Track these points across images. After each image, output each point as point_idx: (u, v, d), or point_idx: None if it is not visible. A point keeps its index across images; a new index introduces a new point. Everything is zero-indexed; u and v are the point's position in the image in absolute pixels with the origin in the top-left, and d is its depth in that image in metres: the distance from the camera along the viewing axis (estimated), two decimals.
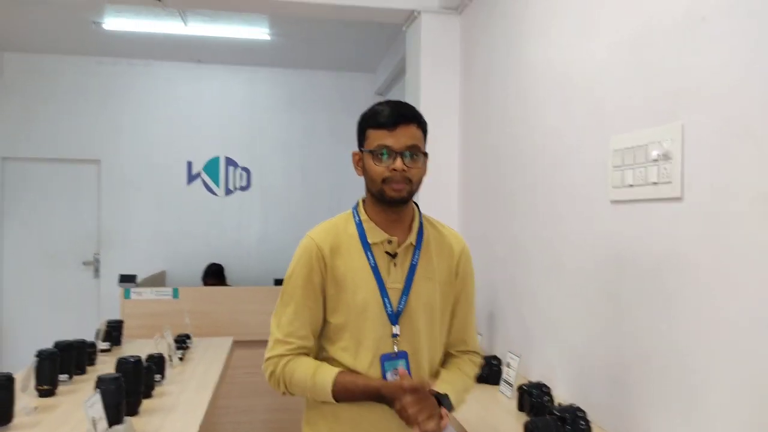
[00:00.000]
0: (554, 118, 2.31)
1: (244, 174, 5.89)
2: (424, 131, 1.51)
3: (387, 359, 1.47)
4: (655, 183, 1.65)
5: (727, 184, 1.41)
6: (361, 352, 1.48)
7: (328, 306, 1.50)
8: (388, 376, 1.46)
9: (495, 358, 2.43)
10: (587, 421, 1.73)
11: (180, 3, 3.58)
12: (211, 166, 5.83)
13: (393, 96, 5.32)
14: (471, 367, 1.64)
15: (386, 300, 1.48)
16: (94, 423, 1.56)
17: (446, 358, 1.65)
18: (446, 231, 1.63)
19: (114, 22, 4.69)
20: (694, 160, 1.52)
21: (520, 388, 2.03)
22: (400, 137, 1.44)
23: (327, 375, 1.45)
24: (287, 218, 5.81)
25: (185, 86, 5.77)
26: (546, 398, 1.94)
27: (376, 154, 1.45)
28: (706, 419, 1.47)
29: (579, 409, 1.75)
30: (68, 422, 1.81)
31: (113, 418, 1.69)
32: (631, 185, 1.77)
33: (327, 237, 1.52)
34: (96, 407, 1.60)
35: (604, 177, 1.92)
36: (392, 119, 1.45)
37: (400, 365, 1.48)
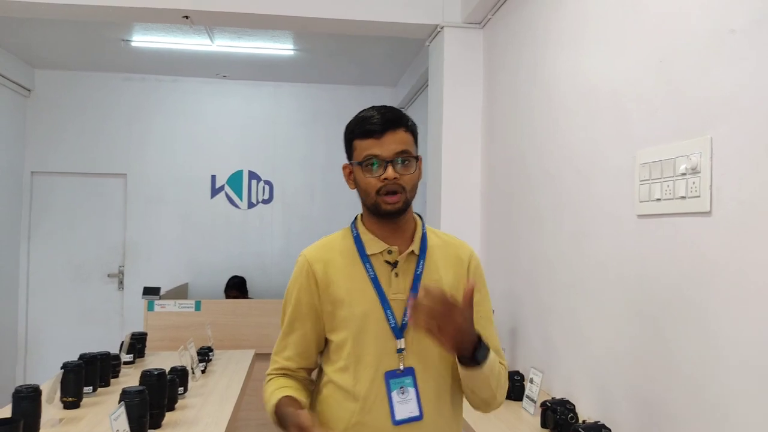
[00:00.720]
0: (580, 131, 2.29)
1: (267, 187, 5.93)
2: (414, 134, 1.43)
3: (392, 377, 1.36)
4: (683, 197, 1.63)
5: (757, 199, 1.38)
6: (361, 370, 1.37)
7: (326, 324, 1.42)
8: (394, 395, 1.35)
9: (518, 373, 2.40)
10: None
11: (206, 20, 3.64)
12: (235, 180, 5.88)
13: (415, 110, 5.34)
14: (501, 368, 1.45)
15: (388, 312, 1.38)
16: None
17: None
18: (451, 240, 1.54)
19: (142, 40, 4.78)
20: (723, 174, 1.49)
21: (544, 405, 2.00)
22: (388, 144, 1.36)
23: (274, 397, 1.38)
24: (309, 231, 5.82)
25: (210, 101, 5.85)
26: (570, 415, 1.91)
27: (366, 165, 1.37)
28: None
29: (605, 427, 1.72)
30: (97, 428, 1.83)
31: (137, 431, 1.70)
32: (659, 199, 1.74)
33: (319, 253, 1.45)
34: (121, 420, 1.61)
35: (631, 191, 1.89)
36: (378, 126, 1.36)
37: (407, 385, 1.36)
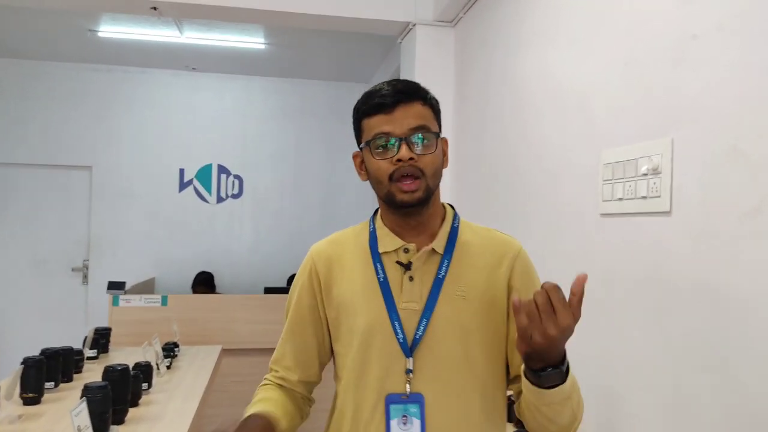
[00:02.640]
0: (548, 131, 2.33)
1: (237, 182, 5.88)
2: (434, 109, 1.19)
3: (393, 402, 1.13)
4: (644, 197, 1.66)
5: (716, 200, 1.42)
6: (363, 393, 1.16)
7: (331, 332, 1.25)
8: (393, 425, 1.12)
9: None
10: None
11: (175, 12, 3.59)
12: (204, 174, 5.82)
13: None
14: None
15: (396, 324, 1.14)
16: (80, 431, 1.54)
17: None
18: (494, 235, 1.26)
19: (109, 30, 4.68)
20: (683, 175, 1.53)
21: (508, 400, 2.02)
22: (401, 119, 1.12)
23: (247, 412, 1.21)
24: (279, 227, 5.80)
25: (179, 94, 5.77)
26: None
27: (376, 145, 1.13)
28: (680, 430, 1.47)
29: None
30: (55, 430, 1.79)
31: (99, 428, 1.67)
32: (621, 199, 1.78)
33: (328, 248, 1.26)
34: (82, 416, 1.58)
35: (595, 190, 1.93)
36: (389, 98, 1.13)
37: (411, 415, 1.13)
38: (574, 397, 1.08)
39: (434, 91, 3.40)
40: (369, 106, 1.15)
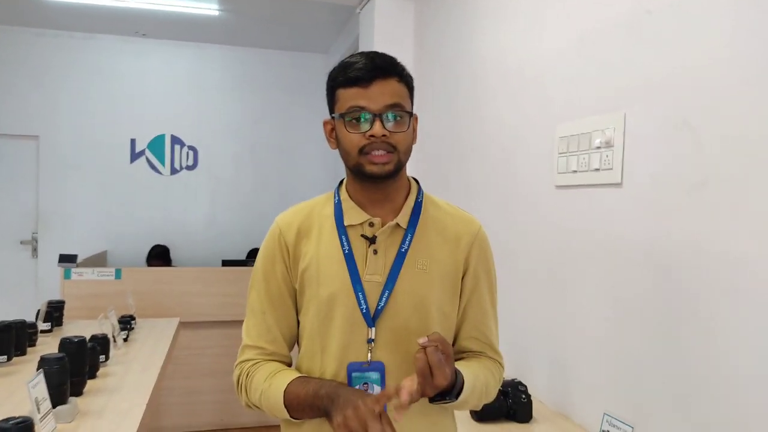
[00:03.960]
0: (505, 106, 2.36)
1: (191, 153, 5.75)
2: (409, 86, 1.20)
3: (355, 369, 1.16)
4: (597, 169, 1.73)
5: (665, 173, 1.48)
6: (326, 361, 1.19)
7: (297, 304, 1.25)
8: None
9: None
10: (528, 394, 1.81)
11: None
12: (156, 144, 5.67)
13: None
14: (494, 370, 1.28)
15: (360, 295, 1.17)
16: (37, 404, 1.52)
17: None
18: (456, 212, 1.30)
19: None
20: (635, 149, 1.59)
21: None
22: (377, 95, 1.13)
23: (283, 379, 1.16)
24: (235, 199, 5.72)
25: (129, 61, 5.57)
26: None
27: (350, 118, 1.14)
28: (641, 400, 1.56)
29: (520, 384, 1.83)
30: (9, 403, 1.76)
31: (57, 399, 1.66)
32: (575, 171, 1.84)
33: (295, 219, 1.25)
34: (39, 387, 1.56)
35: (551, 163, 1.98)
36: (366, 73, 1.13)
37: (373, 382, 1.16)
38: (471, 401, 1.17)
39: None
40: (346, 77, 1.15)
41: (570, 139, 1.86)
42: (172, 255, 5.55)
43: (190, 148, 5.75)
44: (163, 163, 5.70)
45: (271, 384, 1.16)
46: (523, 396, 1.80)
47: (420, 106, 3.36)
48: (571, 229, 1.88)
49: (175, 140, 5.72)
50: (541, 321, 2.05)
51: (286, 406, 1.13)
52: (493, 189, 2.45)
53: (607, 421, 1.40)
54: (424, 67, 3.34)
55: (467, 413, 1.82)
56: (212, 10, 4.80)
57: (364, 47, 3.76)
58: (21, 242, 5.38)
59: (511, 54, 2.31)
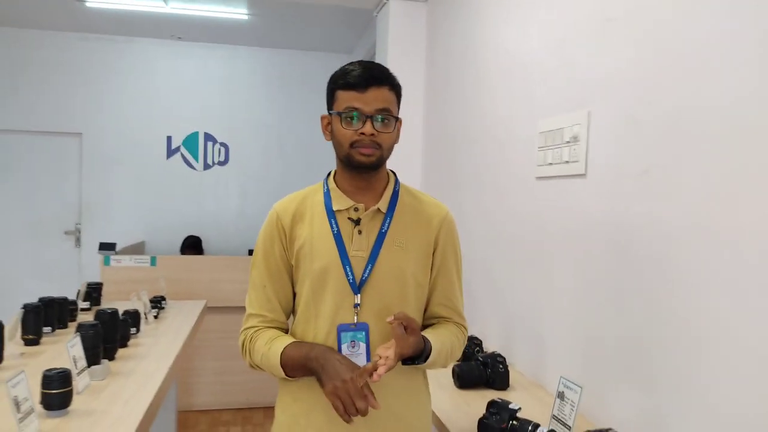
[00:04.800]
0: (498, 103, 2.55)
1: (223, 149, 6.07)
2: (398, 94, 1.41)
3: (344, 329, 1.37)
4: (567, 162, 1.91)
5: (618, 164, 1.66)
6: (319, 323, 1.39)
7: (293, 277, 1.44)
8: (344, 348, 1.37)
9: None
10: (506, 365, 2.00)
11: None
12: (190, 141, 6.00)
13: None
14: (458, 333, 1.49)
15: (348, 268, 1.38)
16: (75, 361, 1.79)
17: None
18: (427, 200, 1.52)
19: (96, 0, 4.82)
20: (596, 142, 1.77)
21: None
22: (370, 100, 1.33)
23: (280, 344, 1.37)
24: (263, 192, 6.02)
25: (165, 63, 5.92)
26: (476, 348, 2.21)
27: (345, 116, 1.34)
28: (599, 367, 1.74)
29: (499, 356, 2.02)
30: (53, 363, 2.04)
31: (91, 360, 1.93)
32: (551, 163, 2.02)
33: (290, 206, 1.45)
34: (77, 348, 1.83)
35: (533, 156, 2.17)
36: (363, 80, 1.33)
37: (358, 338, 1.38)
38: (439, 362, 1.40)
39: (407, 64, 3.60)
40: (345, 81, 1.35)
41: (547, 134, 2.05)
42: (204, 245, 5.88)
43: (222, 144, 6.06)
44: (196, 158, 6.02)
45: (270, 348, 1.37)
46: (501, 366, 1.99)
47: (430, 103, 3.57)
48: (547, 216, 2.06)
49: (208, 137, 6.04)
50: (523, 298, 2.24)
51: (282, 367, 1.34)
52: (488, 179, 2.64)
53: (562, 383, 1.58)
54: (435, 66, 3.53)
55: (451, 381, 2.02)
56: (242, 14, 5.08)
57: (380, 48, 3.98)
58: (65, 232, 5.78)
59: (504, 53, 2.50)
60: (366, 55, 5.50)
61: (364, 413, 1.23)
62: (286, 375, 1.36)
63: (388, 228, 1.42)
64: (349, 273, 1.38)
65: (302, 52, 6.12)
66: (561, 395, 1.57)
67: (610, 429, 1.41)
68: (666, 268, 1.46)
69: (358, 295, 1.38)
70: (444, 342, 1.40)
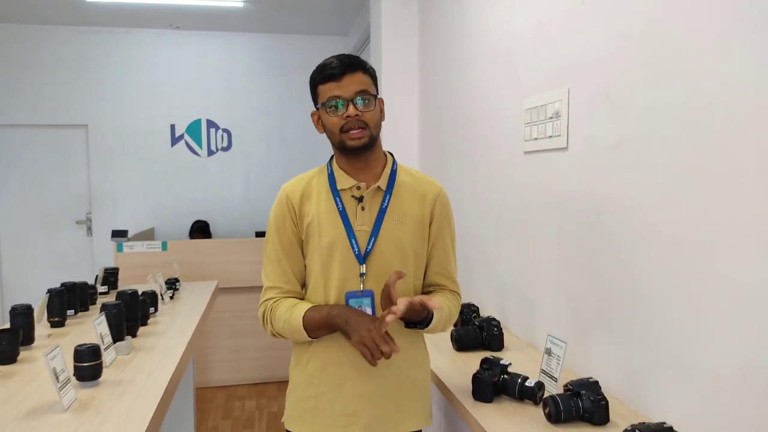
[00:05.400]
0: (486, 82, 2.67)
1: (225, 135, 6.20)
2: (373, 77, 1.53)
3: (351, 296, 1.51)
4: (550, 136, 2.04)
5: (595, 138, 1.79)
6: (329, 292, 1.53)
7: (304, 251, 1.57)
8: None
9: None
10: (500, 328, 2.15)
11: None
12: (194, 129, 6.13)
13: (365, 57, 5.61)
14: (454, 300, 1.64)
15: (353, 241, 1.51)
16: (101, 337, 1.95)
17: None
18: (423, 177, 1.64)
19: None
20: (576, 118, 1.90)
21: None
22: (347, 85, 1.46)
23: (301, 309, 1.51)
24: (267, 176, 6.16)
25: (165, 52, 6.02)
26: (473, 315, 2.36)
27: (329, 106, 1.48)
28: (582, 326, 1.89)
29: (494, 320, 2.17)
30: (79, 341, 2.20)
31: (116, 336, 2.08)
32: (536, 138, 2.15)
33: (298, 186, 1.58)
34: (102, 325, 1.99)
35: (520, 132, 2.30)
36: (338, 69, 1.47)
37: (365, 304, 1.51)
38: (438, 327, 1.55)
39: (401, 46, 3.71)
40: (322, 75, 1.49)
41: (532, 111, 2.17)
42: (212, 229, 6.05)
43: (225, 130, 6.19)
44: (200, 145, 6.15)
45: (292, 314, 1.52)
46: (495, 329, 2.15)
47: (424, 84, 3.68)
48: (534, 188, 2.19)
49: (211, 124, 6.16)
50: (514, 266, 2.38)
51: (305, 329, 1.49)
52: (480, 155, 2.77)
53: (549, 340, 1.74)
54: (427, 48, 3.64)
55: (450, 345, 2.18)
56: (237, 1, 5.17)
57: (375, 31, 4.08)
58: (77, 222, 5.95)
59: (491, 34, 2.61)
60: (361, 38, 5.58)
61: (388, 356, 1.40)
62: (309, 336, 1.51)
63: (388, 204, 1.55)
64: (355, 245, 1.52)
65: (299, 36, 6.21)
66: (548, 351, 1.73)
67: (591, 377, 1.56)
68: (638, 233, 1.59)
69: (364, 265, 1.52)
70: (443, 309, 1.55)
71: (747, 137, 1.22)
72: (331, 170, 1.59)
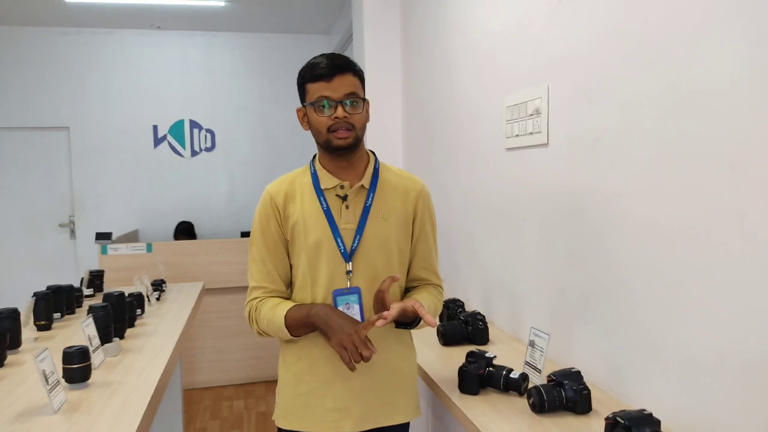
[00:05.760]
0: (468, 80, 2.70)
1: (209, 135, 6.18)
2: (361, 79, 1.55)
3: (339, 294, 1.54)
4: (531, 133, 2.07)
5: (574, 133, 1.83)
6: (316, 290, 1.55)
7: (290, 251, 1.60)
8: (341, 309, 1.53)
9: None
10: (485, 322, 2.19)
11: None
12: (177, 129, 6.11)
13: (348, 55, 5.62)
14: (438, 294, 1.69)
15: (339, 240, 1.54)
16: (90, 339, 1.96)
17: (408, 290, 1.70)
18: (405, 175, 1.67)
19: None
20: (555, 114, 1.94)
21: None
22: (338, 87, 1.47)
23: (283, 308, 1.53)
24: (252, 176, 6.16)
25: (146, 52, 5.99)
26: (459, 310, 2.39)
27: (318, 105, 1.49)
28: (565, 317, 1.93)
29: (479, 314, 2.21)
30: (67, 344, 2.20)
31: (104, 338, 2.09)
32: (518, 135, 2.19)
33: (282, 186, 1.60)
34: (90, 327, 1.99)
35: (502, 129, 2.33)
36: (329, 70, 1.48)
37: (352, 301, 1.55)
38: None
39: (383, 45, 3.72)
40: (313, 74, 1.50)
41: (513, 108, 2.21)
42: (197, 230, 6.03)
43: (208, 131, 6.17)
44: (183, 146, 6.13)
45: (275, 313, 1.54)
46: (481, 323, 2.18)
47: (407, 81, 3.71)
48: (517, 183, 2.23)
49: (194, 124, 6.14)
50: (499, 261, 2.42)
51: (287, 328, 1.52)
52: (462, 152, 2.80)
53: (533, 333, 1.77)
54: (409, 45, 3.67)
55: (436, 340, 2.21)
56: (219, 1, 5.16)
57: (357, 30, 4.09)
58: (60, 225, 5.91)
59: (472, 32, 2.64)
60: (344, 36, 5.60)
61: (367, 360, 1.42)
62: (291, 335, 1.54)
63: (372, 202, 1.58)
64: (341, 244, 1.55)
65: (281, 35, 6.21)
66: (532, 343, 1.76)
67: (573, 368, 1.60)
68: (619, 225, 1.63)
69: (350, 262, 1.55)
70: (428, 306, 1.58)
71: (720, 128, 1.26)
72: (314, 170, 1.61)
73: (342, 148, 1.52)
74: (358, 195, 1.58)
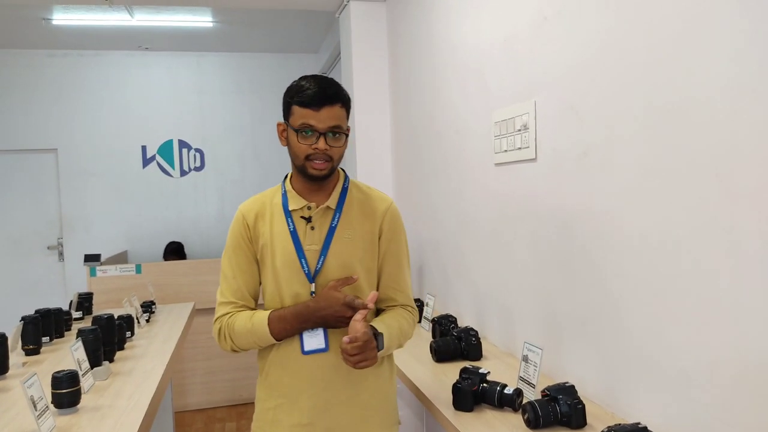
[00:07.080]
0: (456, 96, 2.72)
1: (198, 155, 6.18)
2: (347, 108, 1.54)
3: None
4: (519, 148, 2.09)
5: (561, 148, 1.85)
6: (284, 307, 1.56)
7: (260, 270, 1.61)
8: (305, 331, 1.53)
9: (418, 300, 2.87)
10: (478, 338, 2.19)
11: (126, 0, 3.85)
12: (165, 149, 6.10)
13: (335, 76, 5.66)
14: (405, 315, 1.64)
15: (303, 261, 1.54)
16: (79, 363, 1.93)
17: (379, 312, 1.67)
18: (373, 193, 1.67)
19: (62, 18, 4.88)
20: (543, 129, 1.95)
21: (433, 321, 2.47)
22: (324, 118, 1.47)
23: (263, 313, 1.55)
24: (242, 195, 6.10)
25: (135, 73, 5.99)
26: (452, 326, 2.39)
27: (300, 132, 1.49)
28: (557, 331, 1.93)
29: (472, 329, 2.20)
30: (56, 369, 2.17)
31: (94, 361, 2.07)
32: (506, 150, 2.20)
33: (253, 206, 1.62)
34: (79, 351, 1.97)
35: (490, 145, 2.35)
36: (317, 100, 1.47)
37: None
38: (392, 346, 1.57)
39: (371, 63, 3.76)
40: (301, 99, 1.48)
41: (501, 124, 2.23)
42: (187, 250, 5.99)
43: (197, 150, 6.17)
44: (173, 166, 6.12)
45: (254, 322, 1.53)
46: (474, 339, 2.18)
47: (395, 98, 3.74)
48: (507, 198, 2.24)
49: (183, 144, 6.13)
50: (490, 276, 2.42)
51: (270, 327, 1.51)
52: (452, 168, 2.81)
53: (526, 347, 1.77)
54: (397, 63, 3.70)
55: (429, 357, 2.20)
56: (207, 22, 5.19)
57: (345, 48, 4.12)
58: (48, 247, 5.85)
59: (460, 49, 2.66)
60: (332, 55, 5.63)
61: (362, 306, 1.46)
62: (275, 338, 1.53)
63: (337, 223, 1.58)
64: (305, 265, 1.55)
65: (270, 55, 6.23)
66: (525, 358, 1.76)
67: (567, 382, 1.60)
68: (607, 239, 1.64)
69: (313, 283, 1.55)
70: (392, 326, 1.57)
71: (702, 141, 1.28)
72: (285, 191, 1.62)
73: (316, 177, 1.53)
74: (324, 216, 1.59)
